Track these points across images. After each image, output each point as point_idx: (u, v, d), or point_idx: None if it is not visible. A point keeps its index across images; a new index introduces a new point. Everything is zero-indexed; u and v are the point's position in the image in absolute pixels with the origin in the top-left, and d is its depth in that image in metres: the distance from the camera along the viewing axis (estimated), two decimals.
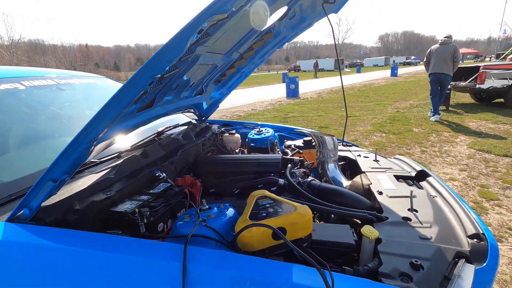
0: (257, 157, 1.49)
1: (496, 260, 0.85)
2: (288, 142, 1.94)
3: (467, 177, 3.17)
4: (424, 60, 6.23)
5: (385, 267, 0.76)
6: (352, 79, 21.73)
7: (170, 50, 0.74)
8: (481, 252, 0.85)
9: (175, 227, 0.88)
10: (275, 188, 1.25)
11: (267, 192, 0.96)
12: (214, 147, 1.83)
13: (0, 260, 0.73)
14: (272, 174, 1.35)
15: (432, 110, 6.10)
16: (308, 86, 15.94)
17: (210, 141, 1.83)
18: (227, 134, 1.96)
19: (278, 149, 1.91)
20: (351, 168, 1.69)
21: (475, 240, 0.89)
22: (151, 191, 1.05)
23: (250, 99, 12.01)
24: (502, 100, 6.97)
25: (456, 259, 0.81)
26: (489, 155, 3.82)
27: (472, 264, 0.81)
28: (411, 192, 1.08)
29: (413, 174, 1.39)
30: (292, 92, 11.99)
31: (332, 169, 1.57)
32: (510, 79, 6.52)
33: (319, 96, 11.93)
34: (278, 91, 14.72)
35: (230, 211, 0.92)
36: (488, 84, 6.65)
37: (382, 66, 64.36)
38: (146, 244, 0.73)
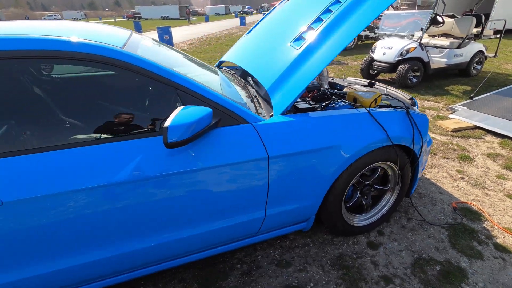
0: None
1: (416, 104, 2.29)
2: None
3: None
4: None
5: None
6: (207, 28, 22.38)
7: None
8: (414, 102, 2.25)
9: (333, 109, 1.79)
10: (326, 96, 2.27)
11: (356, 92, 2.00)
12: None
13: (289, 129, 1.46)
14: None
15: None
16: (178, 36, 15.54)
17: None
18: None
19: None
20: (332, 86, 2.88)
21: (411, 99, 2.28)
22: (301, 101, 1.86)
23: None
24: None
25: (411, 103, 2.17)
26: None
27: (415, 106, 2.19)
28: (386, 87, 2.38)
29: (367, 83, 2.72)
30: (168, 44, 11.70)
31: (324, 89, 2.70)
32: None
33: (194, 47, 12.25)
34: None
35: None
36: None
37: (223, 15, 66.68)
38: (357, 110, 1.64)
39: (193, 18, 45.16)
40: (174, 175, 1.23)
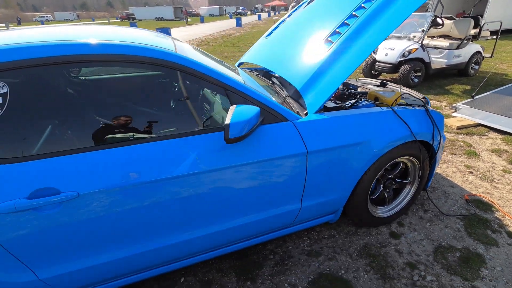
0: None
1: (429, 101, 2.42)
2: None
3: None
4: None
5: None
6: (204, 29, 22.44)
7: None
8: (427, 101, 2.38)
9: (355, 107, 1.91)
10: (346, 95, 2.39)
11: (376, 91, 2.12)
12: None
13: (326, 125, 1.57)
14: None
15: None
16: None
17: None
18: None
19: None
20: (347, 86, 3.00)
21: (424, 98, 2.42)
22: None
23: None
24: None
25: (424, 102, 2.31)
26: None
27: (428, 104, 2.33)
28: (400, 87, 2.51)
29: (379, 83, 2.85)
30: None
31: (342, 89, 2.83)
32: None
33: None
34: None
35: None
36: None
37: (218, 16, 66.68)
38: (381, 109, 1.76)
39: (189, 20, 45.08)
40: (227, 169, 1.33)
